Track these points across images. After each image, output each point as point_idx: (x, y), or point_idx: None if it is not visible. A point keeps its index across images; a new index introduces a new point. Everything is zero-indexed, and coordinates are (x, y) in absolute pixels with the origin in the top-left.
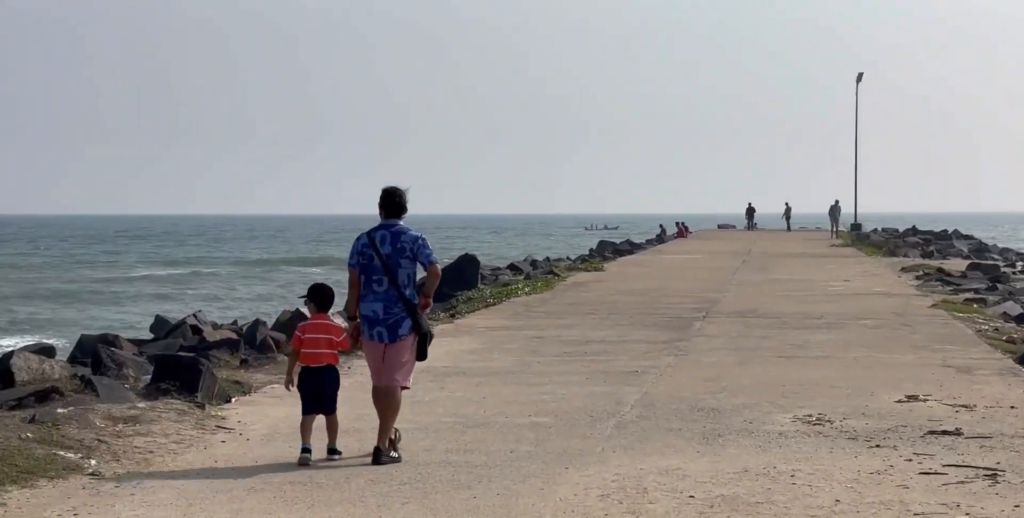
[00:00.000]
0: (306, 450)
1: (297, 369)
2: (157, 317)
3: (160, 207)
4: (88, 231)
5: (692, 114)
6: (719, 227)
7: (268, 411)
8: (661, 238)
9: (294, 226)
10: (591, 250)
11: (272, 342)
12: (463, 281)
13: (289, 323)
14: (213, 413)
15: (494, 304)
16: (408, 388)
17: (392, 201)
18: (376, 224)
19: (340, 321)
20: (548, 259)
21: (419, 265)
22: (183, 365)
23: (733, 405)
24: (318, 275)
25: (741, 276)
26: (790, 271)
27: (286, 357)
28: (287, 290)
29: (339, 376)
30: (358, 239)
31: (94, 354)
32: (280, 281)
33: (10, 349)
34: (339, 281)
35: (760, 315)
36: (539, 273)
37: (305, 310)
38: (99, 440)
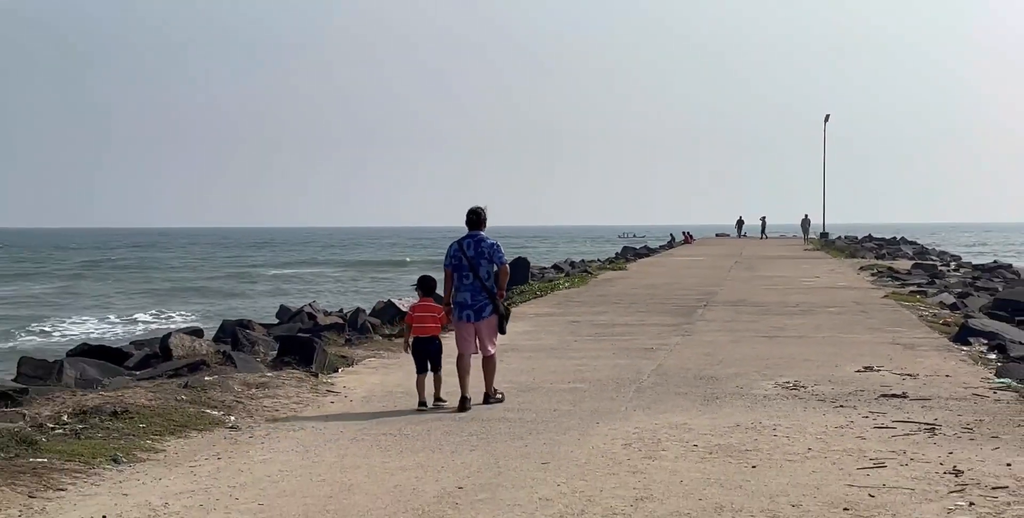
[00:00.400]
0: (422, 404)
1: (411, 339)
2: (281, 306)
3: (271, 219)
4: (225, 240)
5: (690, 139)
6: (716, 236)
7: (367, 379)
8: (672, 244)
9: (369, 235)
10: (617, 253)
11: (370, 326)
12: (517, 278)
13: (383, 311)
14: (324, 381)
15: (541, 296)
16: (494, 351)
17: (474, 218)
18: (464, 234)
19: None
20: (583, 260)
21: (495, 264)
22: (301, 343)
23: (727, 374)
24: (399, 273)
25: (734, 273)
26: (773, 270)
27: (380, 338)
28: (381, 285)
29: (442, 343)
30: (451, 246)
31: (233, 334)
32: (374, 278)
33: (168, 331)
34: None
35: (749, 304)
36: (576, 271)
37: (397, 303)
38: (237, 401)
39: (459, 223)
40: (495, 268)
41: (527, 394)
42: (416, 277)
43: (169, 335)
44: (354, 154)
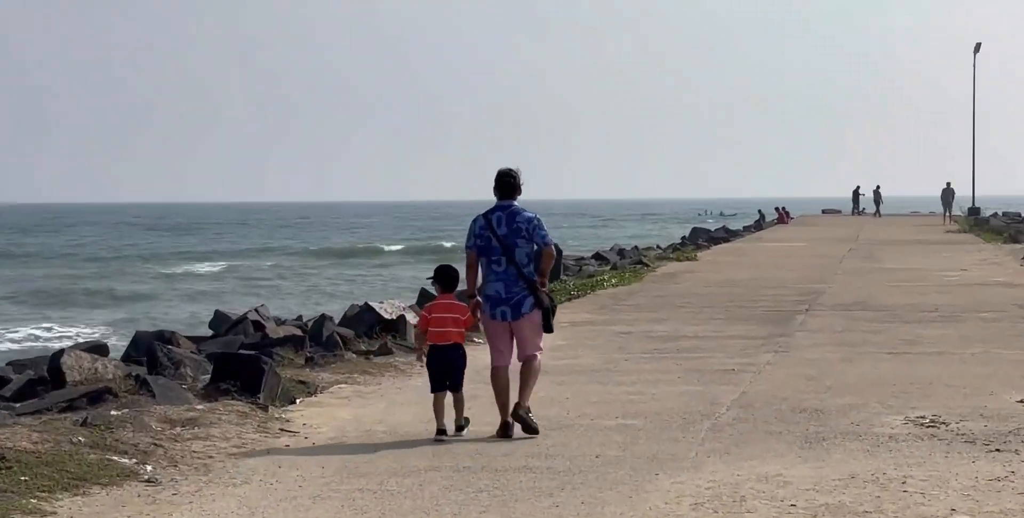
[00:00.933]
0: (442, 432)
1: (425, 348)
2: (216, 312)
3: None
4: (138, 220)
5: (787, 92)
6: (823, 212)
7: (335, 413)
8: (760, 224)
9: (343, 213)
10: (683, 238)
11: (339, 339)
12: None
13: (357, 318)
14: (276, 415)
15: (578, 297)
16: (541, 351)
17: (507, 182)
18: (491, 206)
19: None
20: (637, 248)
21: (535, 245)
22: (244, 364)
23: (838, 405)
24: (373, 266)
25: (847, 265)
26: (901, 259)
27: (355, 356)
28: (355, 282)
29: (466, 354)
30: (475, 221)
31: (149, 352)
32: (343, 274)
33: (60, 348)
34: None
35: (868, 307)
36: (627, 263)
37: (377, 308)
38: (155, 444)
39: (467, 197)
40: (534, 249)
41: (559, 433)
42: (397, 271)
43: (61, 353)
44: (326, 114)
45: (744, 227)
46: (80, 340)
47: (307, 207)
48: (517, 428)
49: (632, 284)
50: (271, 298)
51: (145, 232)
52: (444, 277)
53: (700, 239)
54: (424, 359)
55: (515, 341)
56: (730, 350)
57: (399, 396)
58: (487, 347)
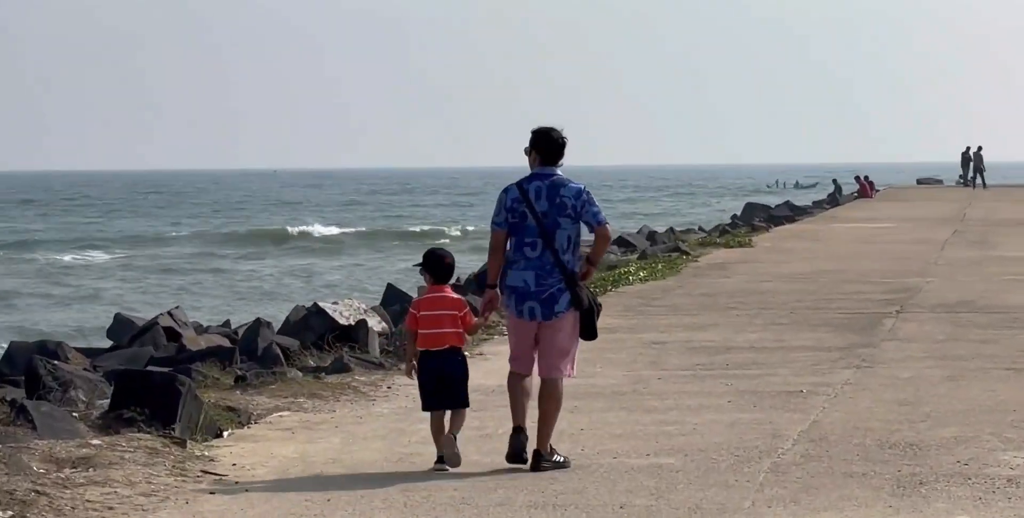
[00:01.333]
0: (442, 459)
1: (416, 356)
2: (117, 317)
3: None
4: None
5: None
6: (919, 182)
7: (275, 449)
8: (835, 199)
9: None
10: (735, 217)
11: (279, 352)
12: None
13: (304, 324)
14: (197, 452)
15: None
16: (572, 376)
17: (551, 143)
18: (527, 175)
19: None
20: (672, 230)
21: (586, 225)
22: (154, 385)
23: (941, 439)
24: (280, 254)
25: (951, 253)
26: (1023, 246)
27: (300, 374)
28: (297, 279)
29: (466, 360)
30: (506, 192)
31: (28, 370)
32: (283, 265)
33: None
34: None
35: (979, 309)
36: (660, 250)
37: (330, 311)
38: (37, 491)
39: (443, 163)
40: (578, 231)
41: (572, 476)
42: (355, 260)
43: None
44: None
45: (814, 202)
46: None
47: (212, 174)
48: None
49: (666, 278)
50: (189, 297)
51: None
52: (436, 264)
53: (756, 218)
54: (415, 370)
55: (538, 350)
56: (796, 366)
57: (359, 427)
58: (493, 359)
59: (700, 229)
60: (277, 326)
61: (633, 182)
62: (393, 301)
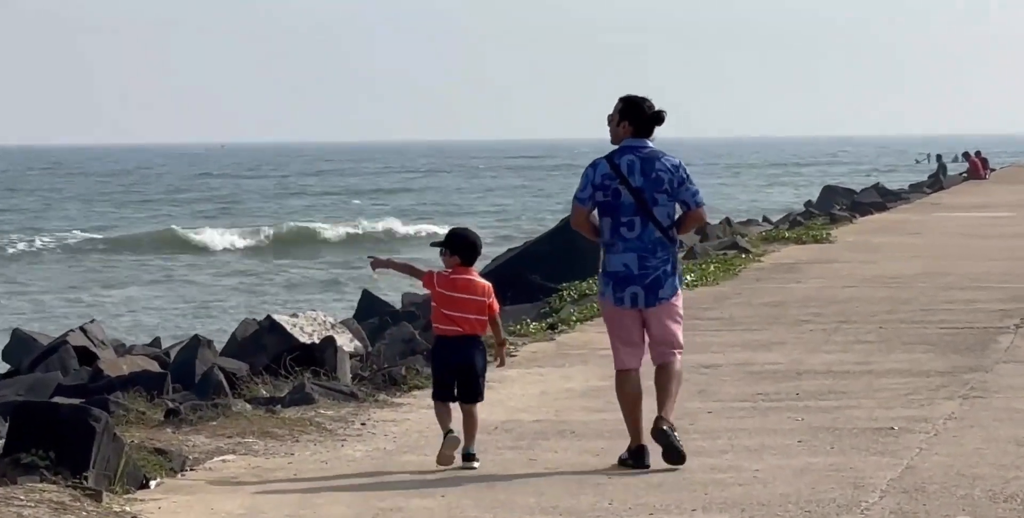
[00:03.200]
0: (451, 431)
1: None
2: (15, 334)
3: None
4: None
5: None
6: None
7: (216, 504)
8: (938, 180)
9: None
10: (808, 204)
11: (223, 378)
12: (571, 264)
13: (253, 343)
14: (116, 507)
15: None
16: (682, 348)
17: (643, 112)
18: (615, 148)
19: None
20: (728, 222)
21: (683, 204)
22: (62, 421)
23: None
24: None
25: None
26: None
27: (249, 407)
28: (247, 282)
29: (486, 352)
30: (593, 166)
31: None
32: (229, 266)
33: None
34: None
35: None
36: (712, 247)
37: (287, 325)
38: None
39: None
40: (675, 209)
41: None
42: (324, 258)
43: None
44: None
45: (911, 186)
46: None
47: (136, 150)
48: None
49: (720, 283)
50: (106, 309)
51: None
52: (463, 245)
53: (836, 206)
54: (386, 264)
55: (647, 336)
56: (886, 395)
57: (324, 475)
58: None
59: (764, 219)
60: (220, 346)
61: (712, 158)
62: (370, 313)
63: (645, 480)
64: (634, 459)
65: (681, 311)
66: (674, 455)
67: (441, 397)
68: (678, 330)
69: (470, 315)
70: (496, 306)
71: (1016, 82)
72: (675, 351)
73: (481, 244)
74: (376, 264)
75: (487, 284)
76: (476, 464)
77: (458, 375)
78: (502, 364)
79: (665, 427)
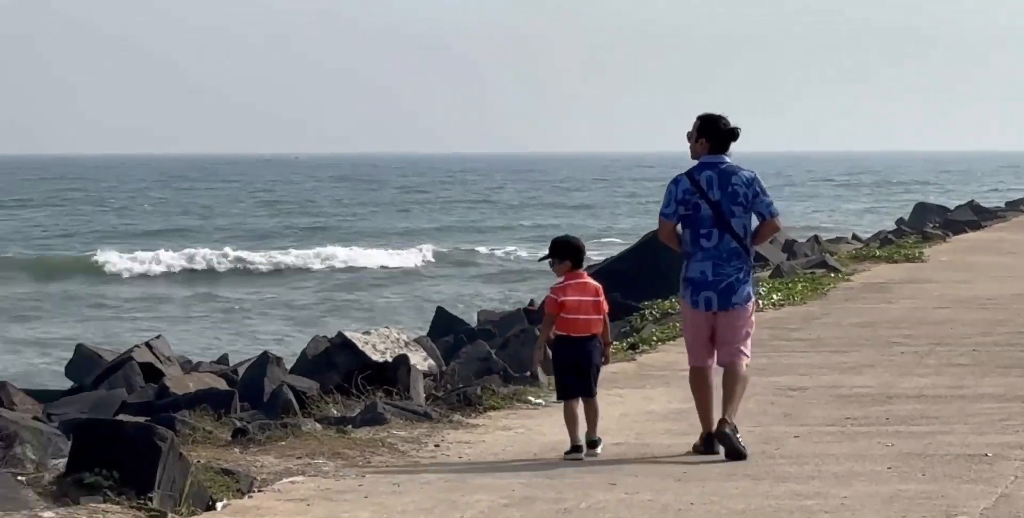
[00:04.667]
0: (577, 449)
1: (551, 337)
2: (79, 349)
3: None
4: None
5: None
6: None
7: None
8: None
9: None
10: (900, 221)
11: (292, 396)
12: (653, 282)
13: (324, 361)
14: None
15: None
16: (749, 356)
17: (719, 130)
18: (695, 164)
19: None
20: (816, 239)
21: (758, 215)
22: (126, 439)
23: None
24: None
25: None
26: None
27: (319, 427)
28: (314, 300)
29: (605, 349)
30: (675, 182)
31: None
32: (303, 286)
33: None
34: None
35: None
36: (799, 265)
37: (359, 342)
38: None
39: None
40: (751, 221)
41: None
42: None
43: None
44: None
45: (1007, 204)
46: None
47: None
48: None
49: (808, 303)
50: (174, 325)
51: None
52: (571, 251)
53: (929, 223)
54: (546, 355)
55: (717, 340)
56: (980, 420)
57: (396, 499)
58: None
59: (854, 237)
60: (290, 363)
61: (806, 173)
62: (443, 330)
63: (729, 507)
64: (705, 446)
65: (752, 318)
66: (735, 455)
67: (567, 394)
68: (746, 335)
69: (584, 316)
70: (606, 306)
71: None
72: (740, 354)
73: (584, 247)
74: (536, 358)
75: (598, 285)
76: (599, 450)
77: (577, 372)
78: (606, 362)
79: (727, 430)
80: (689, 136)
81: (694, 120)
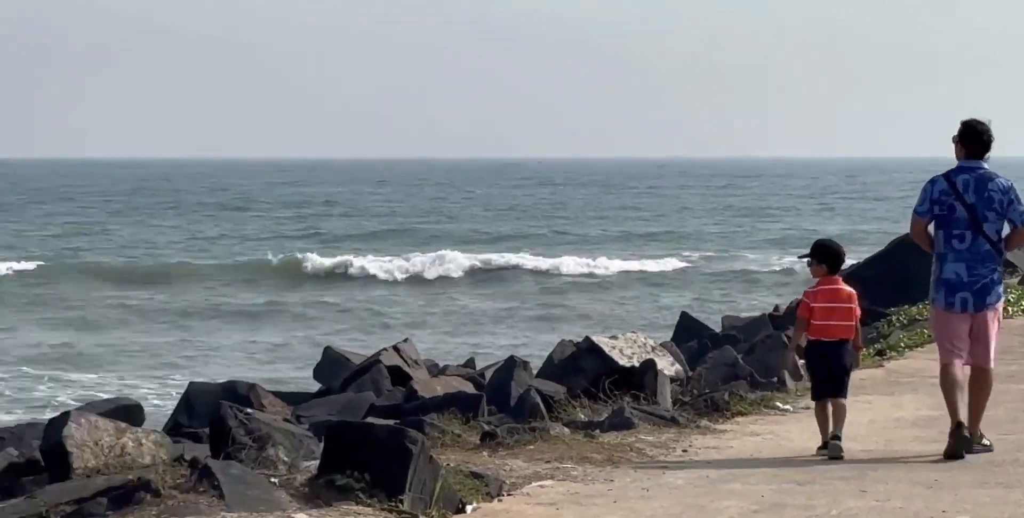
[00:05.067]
0: (836, 438)
1: (803, 341)
2: (327, 352)
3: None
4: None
5: None
6: None
7: None
8: None
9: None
10: None
11: (539, 400)
12: (901, 288)
13: (570, 366)
14: None
15: None
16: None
17: (978, 137)
18: (955, 166)
19: None
20: None
21: (1009, 222)
22: (377, 442)
23: None
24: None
25: None
26: None
27: (567, 432)
28: (554, 303)
29: (856, 354)
30: (932, 183)
31: (215, 420)
32: (547, 288)
33: (64, 410)
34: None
35: None
36: None
37: (606, 347)
38: None
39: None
40: (1002, 227)
41: None
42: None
43: (65, 419)
44: None
45: None
46: (97, 396)
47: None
48: None
49: None
50: (415, 327)
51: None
52: (830, 255)
53: None
54: (799, 354)
55: (970, 341)
56: None
57: (646, 503)
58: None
59: None
60: (536, 367)
61: None
62: (687, 336)
63: (981, 515)
64: (953, 445)
65: (1001, 316)
66: (954, 455)
67: (819, 394)
68: (996, 335)
69: (840, 322)
70: (858, 312)
71: None
72: (989, 358)
73: (843, 253)
74: (788, 359)
75: (852, 291)
76: (840, 443)
77: (828, 374)
78: (856, 366)
79: (965, 432)
80: (953, 140)
81: (959, 125)
